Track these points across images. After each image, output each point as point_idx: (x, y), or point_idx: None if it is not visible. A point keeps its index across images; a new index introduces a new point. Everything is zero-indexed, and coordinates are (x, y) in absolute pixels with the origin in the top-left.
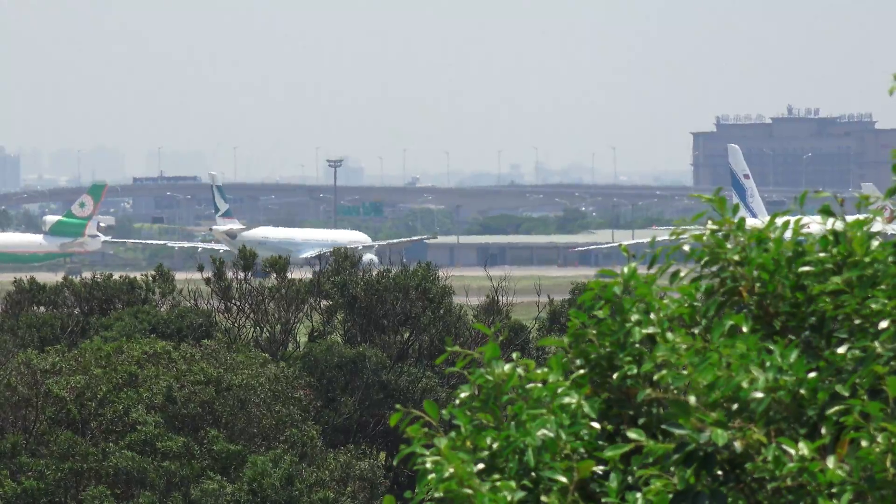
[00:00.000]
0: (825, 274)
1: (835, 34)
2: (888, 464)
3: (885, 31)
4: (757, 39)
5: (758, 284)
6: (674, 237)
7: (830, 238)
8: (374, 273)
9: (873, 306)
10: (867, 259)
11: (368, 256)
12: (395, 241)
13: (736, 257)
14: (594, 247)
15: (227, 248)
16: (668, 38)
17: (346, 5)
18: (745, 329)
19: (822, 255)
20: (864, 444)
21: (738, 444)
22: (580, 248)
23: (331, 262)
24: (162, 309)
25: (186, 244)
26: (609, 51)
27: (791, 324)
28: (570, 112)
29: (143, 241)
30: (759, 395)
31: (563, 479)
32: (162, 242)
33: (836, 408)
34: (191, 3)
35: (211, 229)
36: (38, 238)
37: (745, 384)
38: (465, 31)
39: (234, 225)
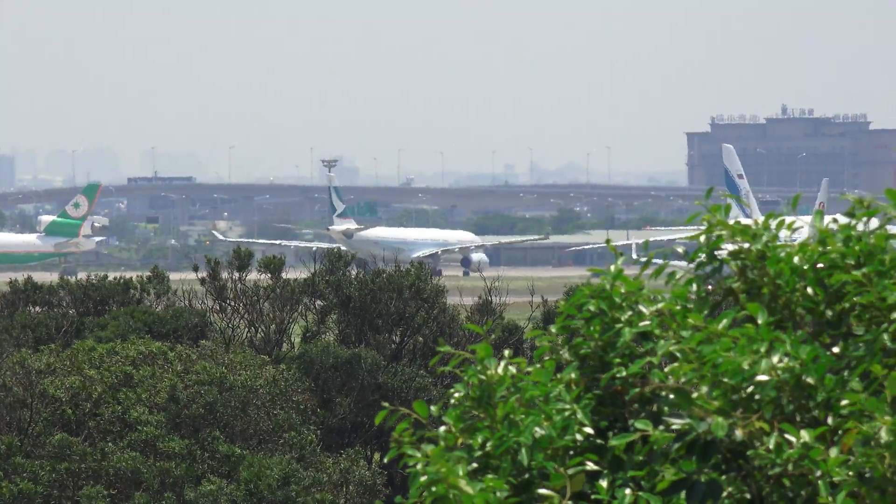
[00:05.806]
0: (847, 268)
1: (829, 34)
2: (886, 461)
3: (880, 31)
4: (752, 40)
5: (779, 281)
6: (700, 236)
7: (854, 235)
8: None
9: (888, 299)
10: (881, 249)
11: (478, 256)
12: (505, 240)
13: (756, 248)
14: (588, 247)
15: (344, 248)
16: (663, 39)
17: (341, 6)
18: (759, 320)
19: (842, 247)
20: (863, 429)
21: (738, 433)
22: (574, 249)
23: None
24: (157, 309)
25: (301, 244)
26: (604, 51)
27: (802, 313)
28: (564, 112)
29: (259, 241)
30: (763, 377)
31: (554, 494)
32: (277, 242)
33: (845, 400)
34: (187, 5)
35: (328, 229)
36: (32, 238)
37: (746, 366)
38: (460, 31)
39: (350, 225)
